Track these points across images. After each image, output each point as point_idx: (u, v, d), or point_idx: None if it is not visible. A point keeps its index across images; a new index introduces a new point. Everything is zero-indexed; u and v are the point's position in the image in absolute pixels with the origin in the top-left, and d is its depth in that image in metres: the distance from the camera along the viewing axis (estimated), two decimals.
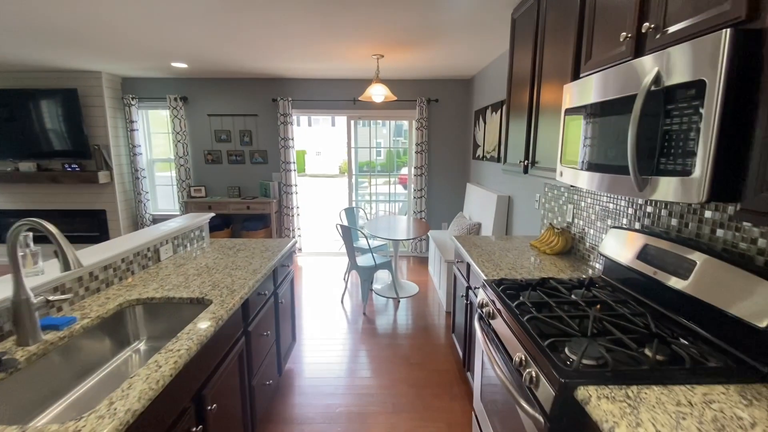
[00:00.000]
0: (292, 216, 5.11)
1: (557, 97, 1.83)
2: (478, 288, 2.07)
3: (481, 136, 4.28)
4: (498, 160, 3.68)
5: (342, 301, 3.82)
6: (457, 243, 2.60)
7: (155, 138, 5.31)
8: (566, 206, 2.39)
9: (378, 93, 3.58)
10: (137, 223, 5.19)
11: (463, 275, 2.48)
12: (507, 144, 2.53)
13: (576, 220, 2.27)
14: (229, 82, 4.94)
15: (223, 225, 5.01)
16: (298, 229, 5.24)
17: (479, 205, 3.99)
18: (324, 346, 2.99)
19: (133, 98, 4.84)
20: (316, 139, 26.37)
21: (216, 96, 4.98)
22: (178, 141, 4.95)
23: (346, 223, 4.52)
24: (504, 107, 3.43)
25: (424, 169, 4.98)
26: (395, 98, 3.77)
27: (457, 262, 2.63)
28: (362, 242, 4.43)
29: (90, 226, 4.97)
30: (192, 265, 2.08)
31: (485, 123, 4.11)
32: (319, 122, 26.13)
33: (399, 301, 3.82)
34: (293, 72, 4.56)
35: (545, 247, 2.33)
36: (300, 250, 5.31)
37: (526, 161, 2.18)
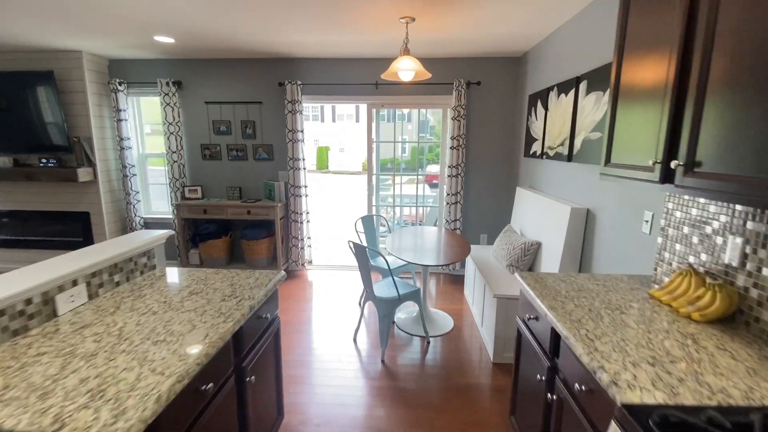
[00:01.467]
0: (301, 223, 4.30)
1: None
2: (581, 387, 1.16)
3: (539, 126, 3.30)
4: (569, 158, 2.71)
5: (355, 339, 2.97)
6: (525, 287, 1.68)
7: (148, 130, 4.63)
8: (722, 238, 1.42)
9: (406, 67, 2.69)
10: (126, 227, 4.54)
11: (541, 345, 1.57)
12: (612, 138, 1.59)
13: (752, 266, 1.30)
14: (228, 64, 4.17)
15: (220, 232, 4.27)
16: (308, 238, 4.43)
17: (538, 217, 3.03)
18: (326, 419, 2.14)
19: (120, 83, 4.15)
20: (340, 136, 25.82)
21: (214, 80, 4.22)
22: (171, 133, 4.23)
23: (362, 234, 3.66)
24: (605, 85, 2.45)
25: (461, 168, 4.04)
26: (429, 75, 2.86)
27: (530, 318, 1.70)
28: (382, 260, 3.56)
29: (73, 231, 4.35)
30: (98, 328, 1.27)
31: (547, 109, 3.13)
32: (343, 118, 25.56)
33: (429, 342, 2.93)
34: (302, 49, 3.73)
35: (688, 306, 1.38)
36: (310, 262, 4.50)
37: (670, 163, 1.24)
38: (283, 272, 1.83)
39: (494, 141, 4.12)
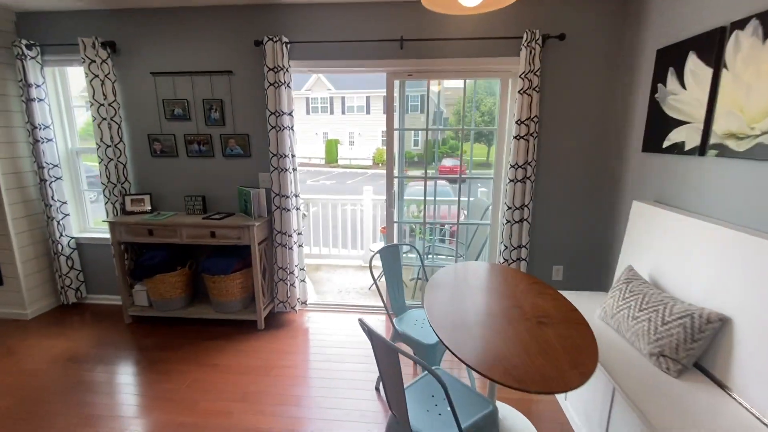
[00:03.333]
0: (291, 248, 2.96)
1: None
2: None
3: (692, 100, 1.90)
4: None
5: None
6: None
7: (81, 114, 3.34)
8: None
9: None
10: (50, 251, 3.27)
11: None
12: None
13: None
14: (181, 16, 2.83)
15: (173, 261, 2.96)
16: (301, 269, 3.09)
17: (707, 264, 1.64)
18: None
19: (29, 46, 2.85)
20: (350, 128, 24.58)
21: (163, 41, 2.89)
22: (104, 118, 2.92)
23: (379, 267, 2.31)
24: None
25: (532, 169, 2.65)
26: (510, 0, 1.46)
27: None
28: (414, 317, 2.21)
29: None
30: None
31: (721, 68, 1.72)
32: (353, 110, 24.26)
33: None
34: None
35: None
36: (304, 303, 3.18)
37: None
38: None
39: (583, 126, 2.70)
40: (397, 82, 2.82)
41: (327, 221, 4.71)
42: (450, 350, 1.40)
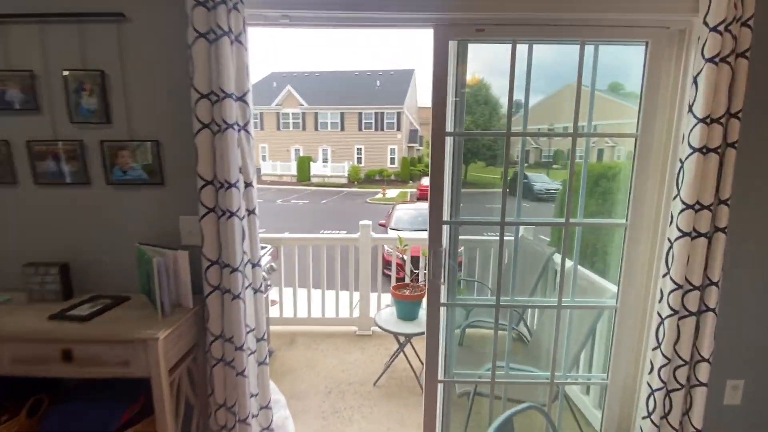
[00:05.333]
0: (242, 373, 1.47)
1: None
2: None
3: None
4: None
5: None
6: None
7: None
8: None
9: None
10: None
11: None
12: None
13: None
14: None
15: None
16: (265, 408, 1.61)
17: None
18: None
19: None
20: (323, 146, 23.47)
21: None
22: None
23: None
24: None
25: (728, 211, 1.35)
26: None
27: None
28: None
29: None
30: None
31: None
32: (327, 127, 23.21)
33: None
34: None
35: None
36: None
37: None
38: None
39: None
40: (453, 45, 1.47)
41: (305, 270, 3.26)
42: None
